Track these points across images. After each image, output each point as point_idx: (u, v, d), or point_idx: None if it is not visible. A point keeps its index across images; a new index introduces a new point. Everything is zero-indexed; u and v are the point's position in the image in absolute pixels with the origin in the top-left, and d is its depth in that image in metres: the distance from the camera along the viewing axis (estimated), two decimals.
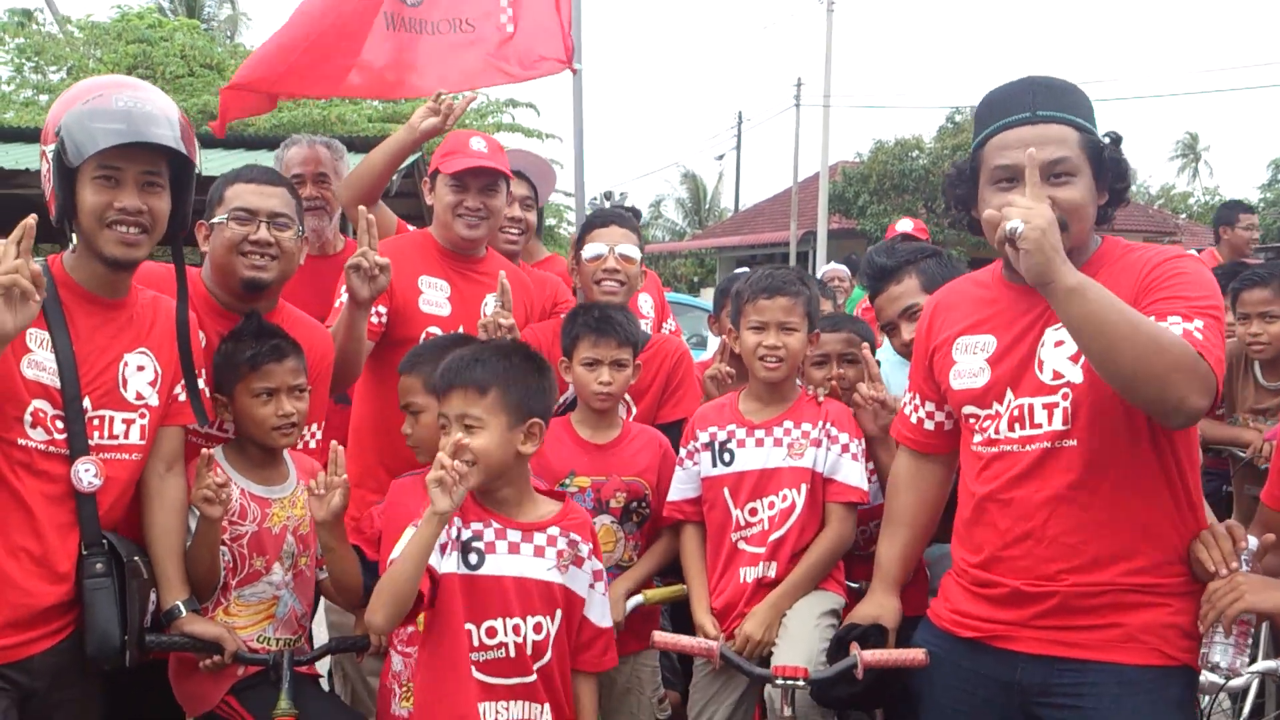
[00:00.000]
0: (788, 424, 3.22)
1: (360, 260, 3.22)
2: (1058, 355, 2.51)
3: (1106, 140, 2.55)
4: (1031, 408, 2.53)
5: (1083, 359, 2.43)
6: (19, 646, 2.59)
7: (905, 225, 7.53)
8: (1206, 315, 2.35)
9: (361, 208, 3.41)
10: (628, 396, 3.59)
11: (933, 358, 2.79)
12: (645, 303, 4.71)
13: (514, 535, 2.68)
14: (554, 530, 2.73)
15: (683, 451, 3.34)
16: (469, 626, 2.62)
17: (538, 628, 2.66)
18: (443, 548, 2.62)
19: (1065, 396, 2.49)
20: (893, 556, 2.98)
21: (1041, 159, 2.44)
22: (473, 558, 2.64)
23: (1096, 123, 2.57)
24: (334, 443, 2.87)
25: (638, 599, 3.26)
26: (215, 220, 3.10)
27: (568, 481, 3.27)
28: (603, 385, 3.30)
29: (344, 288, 3.54)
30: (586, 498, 3.28)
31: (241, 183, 3.15)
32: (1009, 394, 2.58)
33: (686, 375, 3.80)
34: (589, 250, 3.71)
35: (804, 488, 3.16)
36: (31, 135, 14.06)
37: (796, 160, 31.03)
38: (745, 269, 9.02)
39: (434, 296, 3.68)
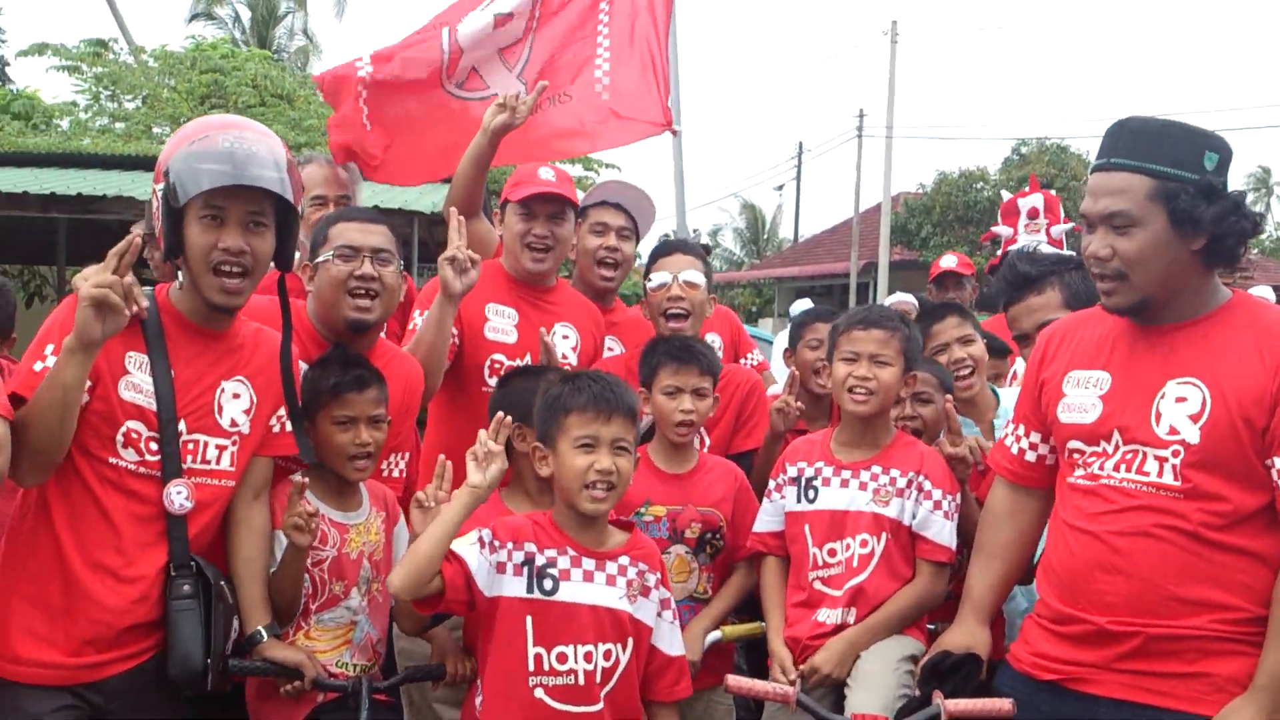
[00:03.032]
0: (876, 468, 3.17)
1: (455, 253, 3.30)
2: (1177, 411, 2.47)
3: (1197, 187, 2.43)
4: (1143, 456, 2.50)
5: (1203, 419, 2.41)
6: (96, 667, 2.65)
7: (949, 261, 7.01)
8: None
9: (452, 209, 3.47)
10: (701, 427, 3.59)
11: (1042, 389, 2.76)
12: (714, 341, 4.71)
13: (588, 563, 2.75)
14: (624, 559, 2.78)
15: (772, 484, 3.33)
16: (538, 650, 2.67)
17: (607, 654, 2.71)
18: (500, 567, 2.69)
19: (1177, 454, 2.45)
20: (985, 587, 2.93)
21: (1099, 210, 2.49)
22: (547, 583, 2.70)
23: (1205, 162, 2.47)
24: (441, 456, 2.85)
25: (716, 635, 3.25)
26: (320, 259, 3.17)
27: (643, 510, 3.27)
28: (684, 414, 3.30)
29: (417, 313, 3.65)
30: (661, 527, 3.28)
31: (344, 221, 3.24)
32: (1117, 435, 2.55)
33: (759, 406, 3.78)
34: (654, 280, 3.73)
35: (884, 536, 3.10)
36: (108, 162, 14.34)
37: (858, 191, 30.91)
38: (805, 300, 8.92)
39: (500, 324, 3.74)
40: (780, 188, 52.40)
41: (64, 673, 2.62)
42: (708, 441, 3.65)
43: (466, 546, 2.66)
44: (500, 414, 2.73)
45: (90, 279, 2.48)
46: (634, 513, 3.24)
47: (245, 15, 31.08)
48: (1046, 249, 5.68)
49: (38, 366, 2.60)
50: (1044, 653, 2.63)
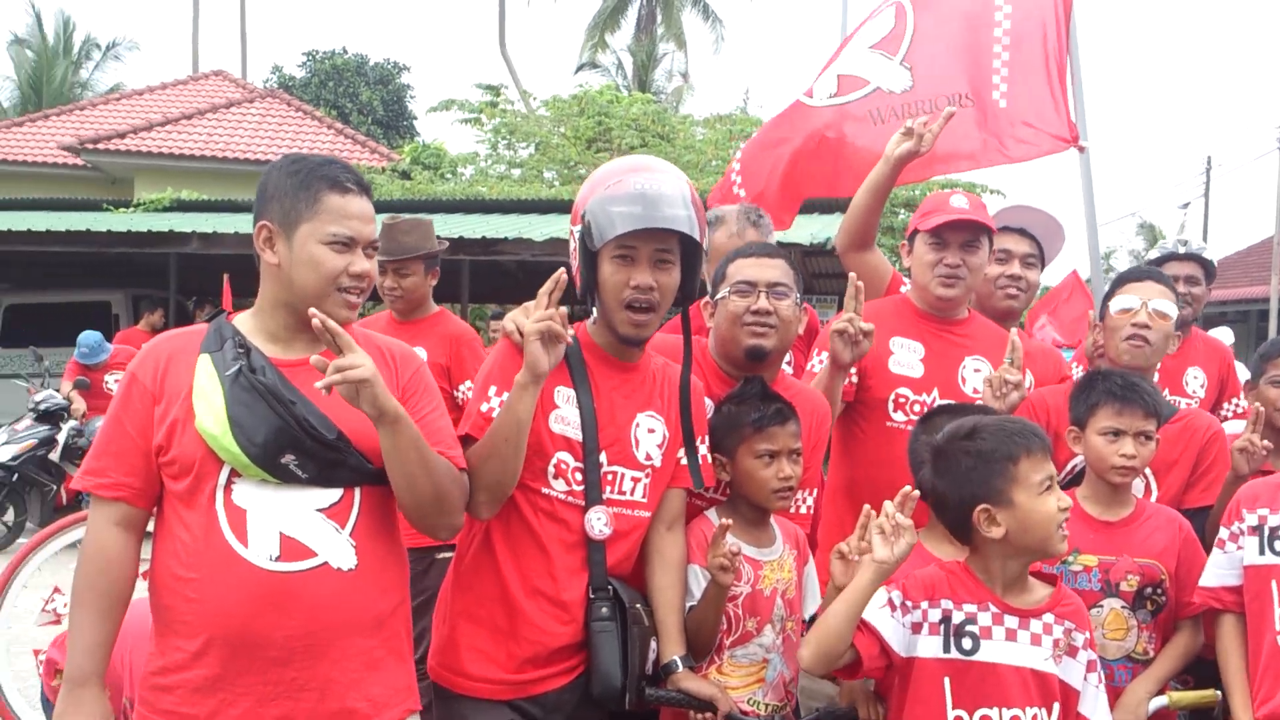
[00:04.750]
0: None
1: (845, 326, 3.22)
2: None
3: None
4: None
5: None
6: (535, 682, 2.79)
7: None
8: None
9: (851, 275, 3.38)
10: (1150, 473, 3.30)
11: None
12: (1196, 377, 4.35)
13: (1011, 621, 2.58)
14: (1049, 617, 2.59)
15: (1224, 532, 3.00)
16: (958, 713, 2.54)
17: (1034, 719, 2.53)
18: (914, 627, 2.57)
19: None
20: None
21: None
22: (966, 642, 2.55)
23: None
24: (866, 507, 2.73)
25: (1161, 701, 2.96)
26: (719, 296, 3.21)
27: (1070, 560, 3.04)
28: (1126, 459, 3.04)
29: (816, 351, 3.60)
30: (1091, 579, 3.04)
31: (742, 258, 3.25)
32: None
33: (1219, 458, 3.42)
34: (1118, 302, 3.49)
35: None
36: (506, 206, 15.32)
37: None
38: (1225, 328, 8.12)
39: (905, 358, 3.60)
40: (1185, 205, 48.84)
41: (507, 688, 2.78)
42: (1155, 491, 3.36)
43: (877, 611, 2.56)
44: (906, 489, 2.58)
45: (531, 317, 2.61)
46: (1060, 562, 3.01)
47: (627, 61, 32.56)
48: None
49: (484, 408, 2.77)
50: None
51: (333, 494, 2.48)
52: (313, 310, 2.35)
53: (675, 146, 18.84)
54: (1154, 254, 4.98)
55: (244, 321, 2.59)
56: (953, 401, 3.42)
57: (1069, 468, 3.28)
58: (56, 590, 4.40)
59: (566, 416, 2.80)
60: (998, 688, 2.53)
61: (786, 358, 3.48)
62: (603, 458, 2.82)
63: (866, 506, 2.68)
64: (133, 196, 17.61)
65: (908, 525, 2.51)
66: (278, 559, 2.41)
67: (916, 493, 2.59)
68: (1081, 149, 4.58)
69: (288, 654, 2.41)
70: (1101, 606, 3.02)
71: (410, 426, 2.44)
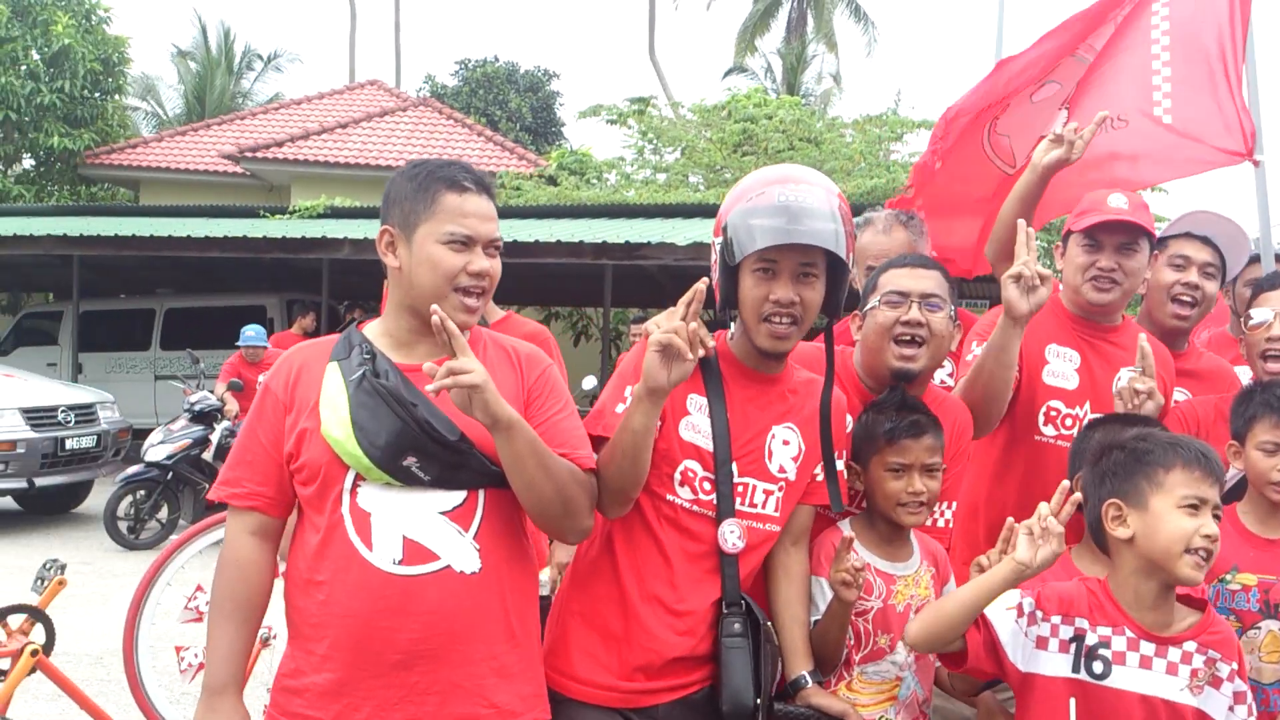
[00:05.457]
0: None
1: (1021, 268, 3.01)
2: None
3: None
4: None
5: None
6: (645, 693, 2.71)
7: None
8: None
9: (1021, 221, 3.20)
10: None
11: None
12: None
13: (1147, 647, 2.43)
14: (1191, 645, 2.44)
15: None
16: None
17: None
18: (1040, 642, 2.46)
19: None
20: None
21: None
22: (1097, 666, 2.43)
23: None
24: (1010, 520, 2.61)
25: None
26: (869, 307, 3.10)
27: (1228, 578, 2.88)
28: None
29: (974, 344, 3.42)
30: (1250, 598, 2.88)
31: (895, 268, 3.13)
32: None
33: None
34: (1253, 316, 3.31)
35: None
36: (651, 211, 15.36)
37: None
38: None
39: (1060, 368, 3.42)
40: None
41: (616, 695, 2.71)
42: None
43: (1002, 612, 2.46)
44: (1065, 484, 2.47)
45: (660, 325, 2.54)
46: (1217, 580, 2.85)
47: (776, 64, 32.44)
48: None
49: (619, 409, 2.70)
50: None
51: (456, 496, 2.46)
52: (434, 306, 2.33)
53: (822, 151, 18.66)
54: None
55: (372, 328, 2.62)
56: (1125, 412, 3.24)
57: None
58: (199, 588, 4.49)
59: (698, 424, 2.73)
60: (1125, 716, 2.41)
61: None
62: (734, 469, 2.75)
63: (1010, 519, 2.56)
64: (289, 203, 18.19)
65: (1058, 532, 2.37)
66: (400, 562, 2.40)
67: (1077, 495, 2.47)
68: (1257, 163, 4.24)
69: (410, 658, 2.41)
70: (1259, 628, 2.86)
71: (526, 432, 2.41)
